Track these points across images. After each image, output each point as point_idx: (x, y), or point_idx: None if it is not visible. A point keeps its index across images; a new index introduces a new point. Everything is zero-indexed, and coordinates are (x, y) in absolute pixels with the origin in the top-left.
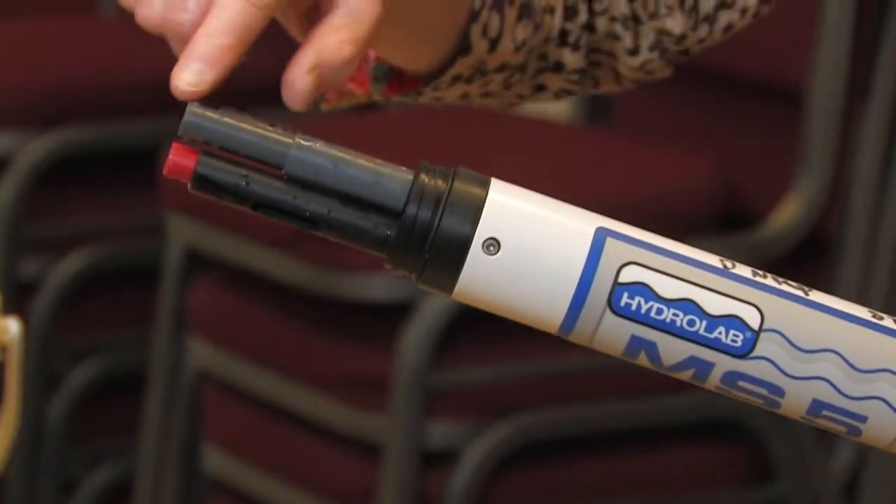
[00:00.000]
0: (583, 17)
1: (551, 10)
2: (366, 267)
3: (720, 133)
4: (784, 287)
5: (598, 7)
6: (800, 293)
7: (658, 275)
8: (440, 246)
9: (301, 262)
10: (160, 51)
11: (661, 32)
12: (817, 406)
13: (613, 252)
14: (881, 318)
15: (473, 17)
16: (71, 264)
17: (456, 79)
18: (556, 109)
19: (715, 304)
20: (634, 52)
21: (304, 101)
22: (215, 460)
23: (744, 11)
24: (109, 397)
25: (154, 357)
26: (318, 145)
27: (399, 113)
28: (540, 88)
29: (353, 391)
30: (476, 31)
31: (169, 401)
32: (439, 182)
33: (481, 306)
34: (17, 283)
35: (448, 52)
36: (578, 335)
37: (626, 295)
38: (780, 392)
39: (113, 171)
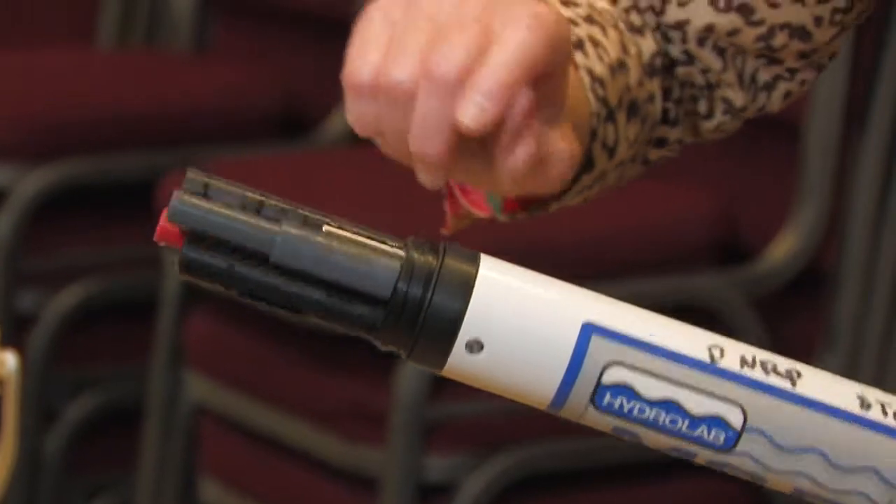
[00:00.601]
0: (676, 92)
1: (651, 98)
2: None
3: (718, 166)
4: (771, 379)
5: (682, 80)
6: (787, 385)
7: (642, 375)
8: (431, 325)
9: None
10: (156, 84)
11: (725, 101)
12: (800, 492)
13: (598, 351)
14: (868, 408)
15: (593, 136)
16: (68, 297)
17: (580, 190)
18: None
19: (698, 404)
20: (709, 116)
21: (485, 121)
22: (212, 493)
23: (802, 83)
24: (107, 430)
25: (151, 390)
26: (304, 233)
27: None
28: (645, 163)
29: (350, 424)
30: (597, 147)
31: (166, 434)
32: (428, 257)
33: (471, 383)
34: (14, 317)
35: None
36: (567, 414)
37: (608, 395)
38: (762, 479)
39: (109, 204)
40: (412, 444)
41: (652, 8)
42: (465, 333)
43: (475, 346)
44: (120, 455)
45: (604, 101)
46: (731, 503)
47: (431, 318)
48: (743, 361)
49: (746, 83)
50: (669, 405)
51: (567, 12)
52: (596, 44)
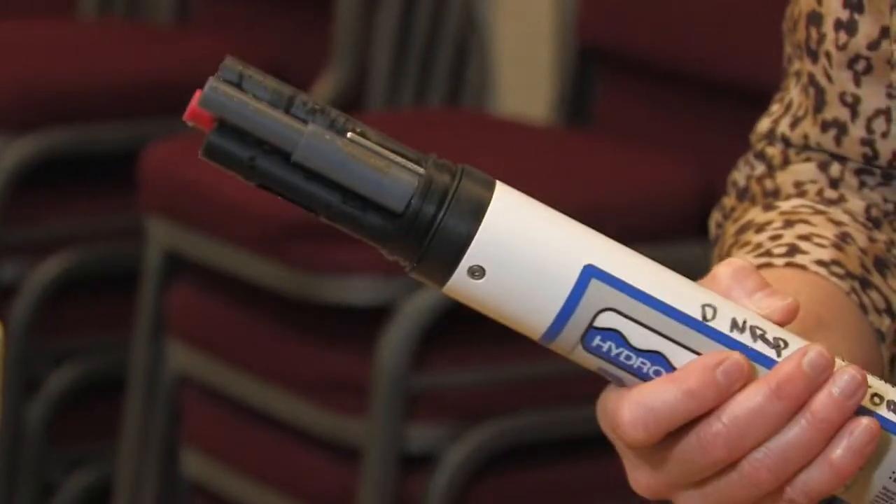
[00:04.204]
0: None
1: (890, 244)
2: (346, 270)
3: (702, 137)
4: (758, 345)
5: None
6: (771, 353)
7: (633, 324)
8: (438, 245)
9: (281, 265)
10: (138, 54)
11: None
12: None
13: (595, 294)
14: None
15: (863, 309)
16: (50, 268)
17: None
18: (537, 113)
19: (683, 360)
20: None
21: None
22: (194, 464)
23: None
24: (89, 401)
25: (133, 360)
26: (328, 136)
27: (377, 117)
28: None
29: (332, 395)
30: (872, 316)
31: (148, 404)
32: (446, 178)
33: (469, 304)
34: None
35: None
36: (556, 348)
37: (598, 338)
38: None
39: (92, 174)
40: (394, 415)
41: (865, 156)
42: (468, 259)
43: (477, 272)
44: (102, 425)
45: (850, 275)
46: None
47: (439, 238)
48: (734, 324)
49: None
50: (655, 356)
51: (763, 236)
52: (808, 238)
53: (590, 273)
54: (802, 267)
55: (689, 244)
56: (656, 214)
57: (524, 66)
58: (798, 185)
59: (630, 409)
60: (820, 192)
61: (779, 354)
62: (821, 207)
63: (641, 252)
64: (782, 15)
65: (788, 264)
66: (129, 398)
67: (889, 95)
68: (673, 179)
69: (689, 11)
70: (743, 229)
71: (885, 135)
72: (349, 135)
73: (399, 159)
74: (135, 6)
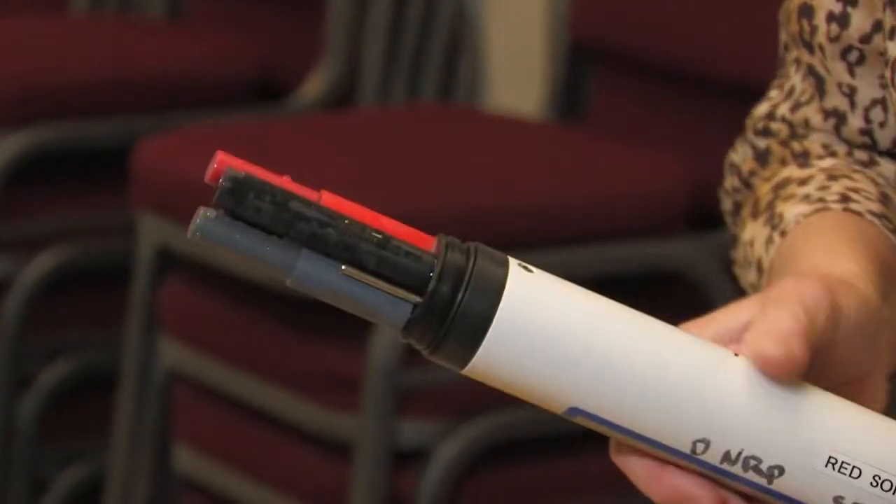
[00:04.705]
0: None
1: None
2: None
3: (693, 133)
4: (749, 475)
5: None
6: (763, 482)
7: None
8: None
9: None
10: (131, 50)
11: None
12: None
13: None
14: (841, 500)
15: None
16: (42, 264)
17: None
18: (528, 108)
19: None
20: None
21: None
22: (186, 459)
23: None
24: (80, 397)
25: (125, 356)
26: (322, 268)
27: (374, 114)
28: None
29: (324, 390)
30: None
31: (140, 400)
32: (445, 291)
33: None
34: None
35: None
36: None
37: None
38: None
39: (84, 170)
40: (386, 410)
41: (864, 144)
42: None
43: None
44: (94, 421)
45: None
46: None
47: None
48: (725, 457)
49: None
50: None
51: (809, 188)
52: (856, 190)
53: (575, 412)
54: (859, 214)
55: (679, 240)
56: (646, 210)
57: (516, 61)
58: (826, 147)
59: None
60: (850, 154)
61: (770, 482)
62: (857, 167)
63: (628, 247)
64: (774, 11)
65: (846, 209)
66: (122, 394)
67: (882, 86)
68: (663, 175)
69: (682, 7)
70: (782, 185)
71: (882, 125)
72: (343, 268)
73: (392, 290)
74: (126, 2)
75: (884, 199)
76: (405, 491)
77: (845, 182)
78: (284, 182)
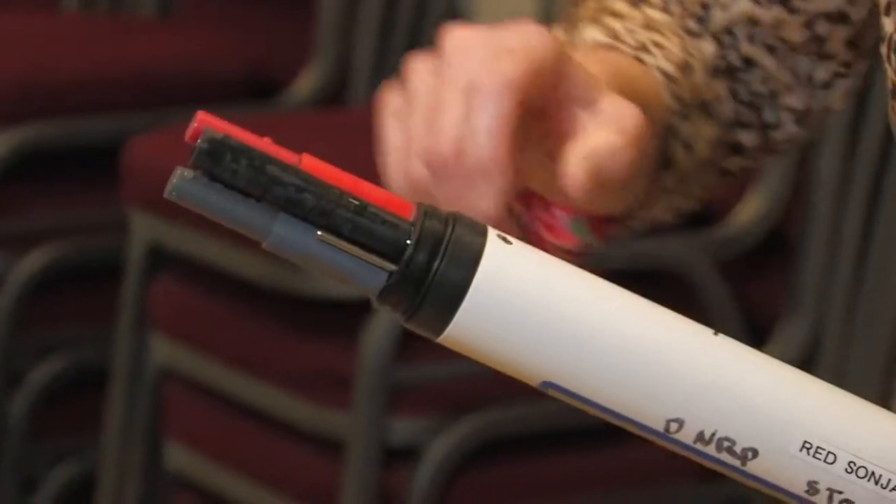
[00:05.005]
0: (742, 95)
1: (720, 99)
2: None
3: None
4: (722, 456)
5: (745, 86)
6: (737, 463)
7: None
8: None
9: (264, 258)
10: (122, 48)
11: (790, 109)
12: None
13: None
14: (815, 493)
15: (672, 133)
16: (33, 261)
17: (664, 193)
18: None
19: None
20: (777, 126)
21: (582, 190)
22: (178, 457)
23: (858, 76)
24: (72, 394)
25: (117, 354)
26: (298, 233)
27: (366, 112)
28: (724, 173)
29: (316, 388)
30: (675, 144)
31: (132, 398)
32: (422, 259)
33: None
34: None
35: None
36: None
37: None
38: None
39: (76, 167)
40: (377, 408)
41: (698, 17)
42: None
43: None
44: (85, 419)
45: (678, 98)
46: (693, 465)
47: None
48: (699, 437)
49: (803, 83)
50: None
51: (619, 24)
52: (659, 46)
53: (549, 385)
54: (646, 65)
55: (667, 236)
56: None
57: None
58: (666, 2)
59: None
60: (683, 18)
61: (744, 464)
62: (680, 33)
63: (620, 245)
64: None
65: (636, 59)
66: (113, 391)
67: None
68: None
69: None
70: (602, 10)
71: (724, 7)
72: (319, 233)
73: (367, 257)
74: (118, 0)
75: (684, 66)
76: (397, 488)
77: (656, 36)
78: (264, 145)
